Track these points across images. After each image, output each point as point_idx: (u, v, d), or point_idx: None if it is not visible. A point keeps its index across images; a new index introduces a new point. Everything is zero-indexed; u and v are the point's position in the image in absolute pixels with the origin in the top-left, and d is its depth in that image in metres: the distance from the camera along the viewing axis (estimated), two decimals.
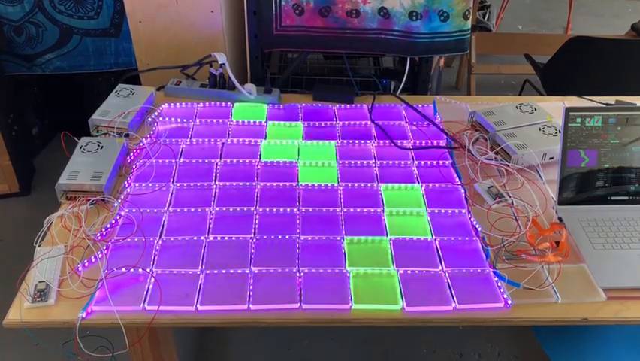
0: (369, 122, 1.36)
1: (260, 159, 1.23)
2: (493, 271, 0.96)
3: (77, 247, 0.98)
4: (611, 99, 1.43)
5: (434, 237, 1.04)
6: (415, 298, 0.92)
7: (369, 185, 1.16)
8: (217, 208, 1.09)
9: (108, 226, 1.03)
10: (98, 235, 1.00)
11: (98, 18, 1.95)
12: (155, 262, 0.97)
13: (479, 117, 1.31)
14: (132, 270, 0.94)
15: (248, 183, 1.15)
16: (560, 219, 1.08)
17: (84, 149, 1.16)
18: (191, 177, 1.16)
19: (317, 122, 1.36)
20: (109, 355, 0.93)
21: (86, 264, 0.95)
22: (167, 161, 1.21)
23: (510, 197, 1.12)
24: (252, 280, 0.94)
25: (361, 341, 1.68)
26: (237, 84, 1.39)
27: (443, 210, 1.10)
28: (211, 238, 1.02)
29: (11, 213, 2.10)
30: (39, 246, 0.98)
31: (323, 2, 1.44)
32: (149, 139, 1.26)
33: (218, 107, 1.40)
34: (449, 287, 0.94)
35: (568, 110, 1.07)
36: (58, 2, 1.91)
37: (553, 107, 1.35)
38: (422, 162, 1.23)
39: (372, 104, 1.42)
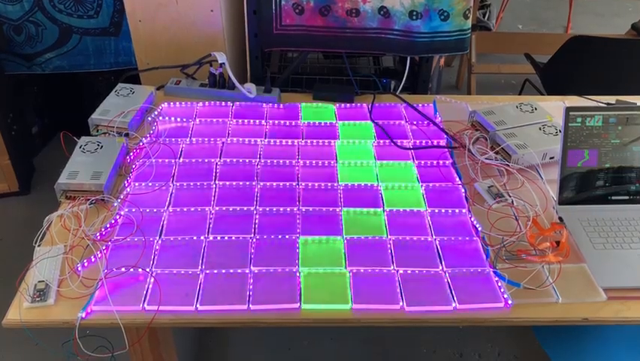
0: (369, 122, 1.36)
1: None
2: (493, 271, 0.96)
3: (77, 246, 0.98)
4: (611, 99, 1.43)
5: (434, 237, 1.04)
6: (415, 298, 0.91)
7: (369, 185, 1.16)
8: (217, 208, 1.08)
9: (108, 225, 1.02)
10: (98, 234, 1.00)
11: (98, 17, 1.95)
12: (155, 262, 0.97)
13: (479, 117, 1.31)
14: (132, 270, 0.94)
15: (248, 183, 1.15)
16: (560, 218, 1.08)
17: (84, 148, 1.16)
18: (191, 177, 1.16)
19: (317, 122, 1.35)
20: (108, 355, 0.93)
21: (86, 264, 0.95)
22: (166, 160, 1.20)
23: (510, 197, 1.12)
24: (251, 280, 0.94)
25: (361, 341, 1.68)
26: (237, 84, 1.39)
27: (443, 210, 1.10)
28: (211, 238, 1.02)
29: (11, 213, 2.10)
30: (38, 246, 0.98)
31: (323, 1, 1.44)
32: (148, 138, 1.26)
33: (218, 106, 1.40)
34: (449, 287, 0.94)
35: (568, 109, 1.06)
36: (58, 1, 1.91)
37: (554, 107, 1.35)
38: (422, 162, 1.23)
39: (372, 103, 1.42)
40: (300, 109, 1.40)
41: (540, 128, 1.27)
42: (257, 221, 1.06)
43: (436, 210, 1.10)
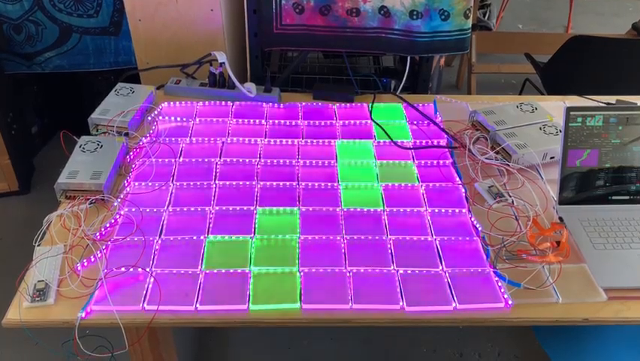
0: (369, 122, 1.36)
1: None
2: (493, 271, 0.96)
3: (77, 246, 0.98)
4: (611, 99, 1.43)
5: (434, 237, 1.03)
6: (415, 298, 0.91)
7: (369, 185, 1.16)
8: (217, 208, 1.08)
9: (107, 225, 1.02)
10: (98, 234, 1.00)
11: (98, 16, 1.95)
12: (155, 262, 0.96)
13: (480, 117, 1.31)
14: (132, 269, 0.94)
15: (248, 183, 1.15)
16: (560, 218, 1.08)
17: (84, 148, 1.15)
18: (190, 177, 1.16)
19: (317, 122, 1.35)
20: (108, 355, 0.93)
21: (86, 263, 0.95)
22: (166, 160, 1.20)
23: (510, 197, 1.12)
24: (251, 280, 0.93)
25: (361, 341, 1.68)
26: (237, 83, 1.39)
27: (443, 210, 1.10)
28: (211, 238, 1.02)
29: (10, 212, 2.10)
30: (38, 245, 0.98)
31: (323, 1, 1.44)
32: (148, 138, 1.26)
33: (218, 106, 1.40)
34: (449, 287, 0.93)
35: (569, 109, 1.06)
36: (58, 1, 1.91)
37: (554, 107, 1.35)
38: (422, 162, 1.23)
39: (372, 103, 1.42)
40: (299, 108, 1.40)
41: (540, 128, 1.27)
42: (257, 221, 1.06)
43: (436, 210, 1.10)
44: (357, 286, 0.93)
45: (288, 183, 1.15)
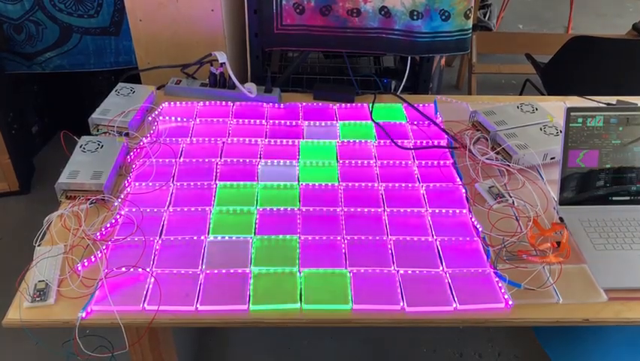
0: (369, 122, 1.36)
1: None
2: (494, 272, 0.96)
3: (77, 246, 0.98)
4: (612, 99, 1.42)
5: (435, 237, 1.03)
6: (415, 299, 0.91)
7: (369, 185, 1.16)
8: (217, 208, 1.08)
9: (108, 225, 1.02)
10: (98, 234, 1.00)
11: (98, 16, 1.95)
12: (155, 262, 0.96)
13: (480, 117, 1.31)
14: (132, 270, 0.94)
15: (248, 183, 1.15)
16: (561, 219, 1.08)
17: (84, 148, 1.15)
18: (191, 177, 1.16)
19: (317, 122, 1.35)
20: (108, 355, 0.93)
21: (86, 263, 0.95)
22: (167, 160, 1.20)
23: (511, 197, 1.12)
24: (252, 280, 0.93)
25: (361, 341, 1.68)
26: (238, 83, 1.39)
27: (444, 210, 1.10)
28: (211, 238, 1.02)
29: (11, 212, 2.10)
30: (39, 245, 0.98)
31: (324, 1, 1.44)
32: (149, 138, 1.26)
33: (218, 106, 1.40)
34: (450, 288, 0.93)
35: (569, 110, 1.06)
36: (59, 0, 1.91)
37: (555, 107, 1.35)
38: (423, 162, 1.23)
39: (372, 103, 1.42)
40: (300, 108, 1.40)
41: (541, 129, 1.27)
42: (257, 221, 1.06)
43: (437, 211, 1.10)
44: (358, 287, 0.93)
45: (288, 184, 1.15)
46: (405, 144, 1.28)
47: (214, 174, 1.17)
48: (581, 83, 1.98)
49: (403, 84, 1.61)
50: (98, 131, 1.26)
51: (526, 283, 0.93)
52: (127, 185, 1.13)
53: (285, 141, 1.28)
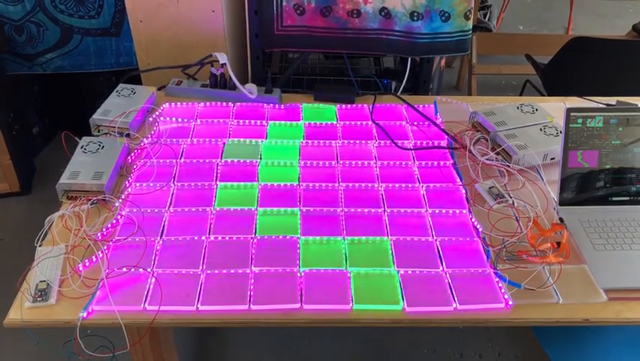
0: (370, 123, 1.36)
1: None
2: (494, 272, 0.96)
3: (78, 246, 0.98)
4: (612, 100, 1.43)
5: (435, 237, 1.04)
6: (415, 299, 0.92)
7: (369, 185, 1.16)
8: (218, 208, 1.08)
9: (109, 225, 1.03)
10: (99, 234, 1.00)
11: (99, 17, 1.95)
12: (156, 262, 0.97)
13: (480, 118, 1.31)
14: (133, 270, 0.94)
15: (249, 184, 1.15)
16: (560, 219, 1.08)
17: (85, 148, 1.16)
18: (191, 177, 1.16)
19: (318, 122, 1.35)
20: (109, 355, 0.93)
21: (87, 264, 0.95)
22: (167, 161, 1.21)
23: (511, 197, 1.12)
24: (252, 280, 0.94)
25: (361, 341, 1.68)
26: (238, 84, 1.39)
27: (444, 211, 1.10)
28: (212, 238, 1.02)
29: (11, 213, 2.10)
30: (40, 245, 0.98)
31: (324, 2, 1.44)
32: (149, 139, 1.26)
33: (219, 107, 1.40)
34: (450, 288, 0.94)
35: (569, 110, 1.06)
36: (59, 2, 1.91)
37: (554, 108, 1.35)
38: (423, 163, 1.23)
39: (373, 104, 1.42)
40: (300, 109, 1.40)
41: (541, 129, 1.27)
42: (258, 221, 1.06)
43: (437, 211, 1.10)
44: (358, 287, 0.93)
45: (289, 184, 1.15)
46: (405, 144, 1.29)
47: (214, 174, 1.18)
48: (580, 83, 1.98)
49: (403, 85, 1.61)
50: (98, 132, 1.27)
51: (526, 284, 0.93)
52: (128, 185, 1.13)
53: (285, 141, 1.28)
